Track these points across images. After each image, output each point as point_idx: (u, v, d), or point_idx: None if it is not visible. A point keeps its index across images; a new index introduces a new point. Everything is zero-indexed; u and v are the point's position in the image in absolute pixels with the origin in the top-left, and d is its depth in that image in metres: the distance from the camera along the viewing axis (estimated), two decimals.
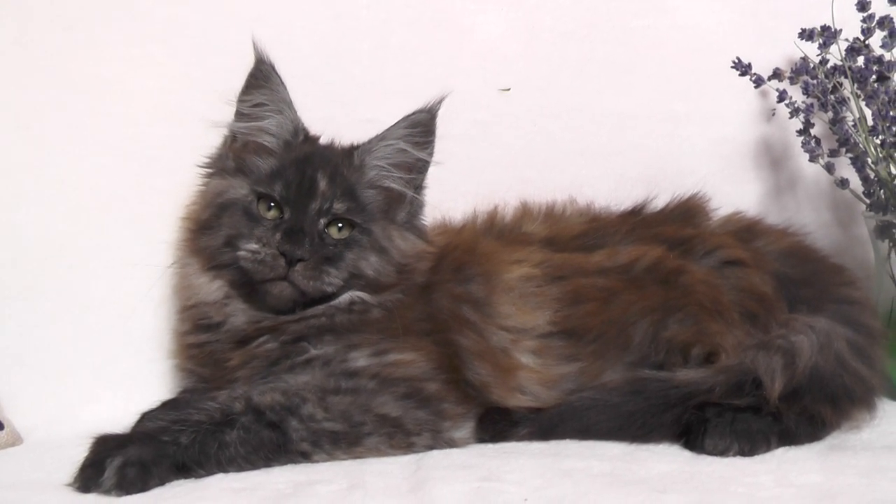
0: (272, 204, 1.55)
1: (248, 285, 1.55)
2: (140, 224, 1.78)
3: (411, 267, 1.59)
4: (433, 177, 1.64)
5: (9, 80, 1.77)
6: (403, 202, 1.61)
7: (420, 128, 1.58)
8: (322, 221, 1.54)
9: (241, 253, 1.53)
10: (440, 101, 1.58)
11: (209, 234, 1.58)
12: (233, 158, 1.62)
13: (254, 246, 1.52)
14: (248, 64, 1.65)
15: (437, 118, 1.58)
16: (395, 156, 1.59)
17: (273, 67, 1.58)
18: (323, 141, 1.66)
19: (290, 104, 1.60)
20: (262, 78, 1.58)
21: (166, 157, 1.80)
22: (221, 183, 1.61)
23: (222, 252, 1.56)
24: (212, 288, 1.58)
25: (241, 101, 1.61)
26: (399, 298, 1.56)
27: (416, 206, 1.63)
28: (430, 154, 1.60)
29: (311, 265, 1.51)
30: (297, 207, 1.54)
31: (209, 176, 1.64)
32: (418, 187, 1.62)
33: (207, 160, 1.66)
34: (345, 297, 1.55)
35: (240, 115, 1.61)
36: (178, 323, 1.67)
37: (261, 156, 1.60)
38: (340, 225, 1.56)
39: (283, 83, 1.59)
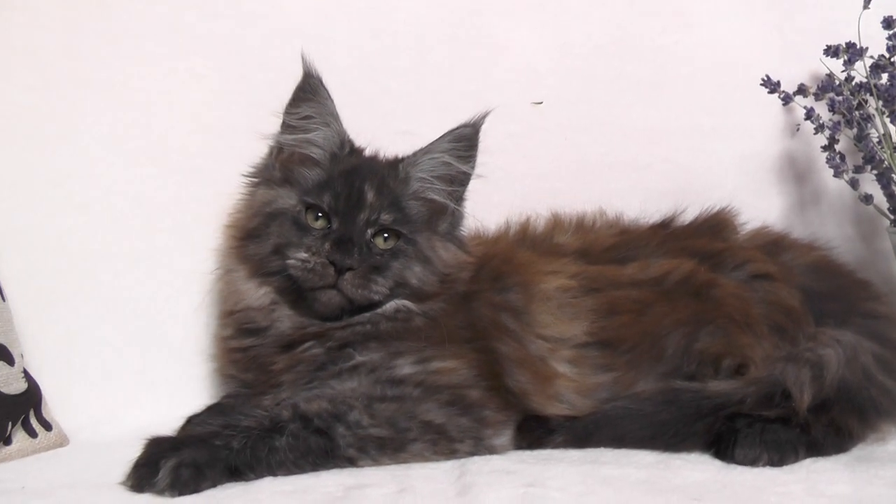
0: (320, 214, 1.59)
1: (295, 292, 1.58)
2: (182, 232, 1.83)
3: (453, 276, 1.63)
4: (468, 188, 1.67)
5: (57, 91, 1.83)
6: (445, 213, 1.65)
7: (464, 142, 1.62)
8: (369, 232, 1.58)
9: (291, 261, 1.56)
10: (484, 117, 1.61)
11: (257, 242, 1.61)
12: (279, 169, 1.65)
13: (303, 255, 1.56)
14: (288, 77, 1.69)
15: (480, 133, 1.62)
16: (438, 168, 1.63)
17: (321, 81, 1.61)
18: (367, 153, 1.70)
19: (336, 117, 1.64)
20: (311, 91, 1.62)
21: (208, 167, 1.85)
22: (269, 193, 1.64)
23: (270, 260, 1.60)
24: (259, 294, 1.61)
25: (288, 113, 1.63)
26: (442, 307, 1.60)
27: (457, 218, 1.66)
28: (473, 167, 1.64)
29: (359, 274, 1.55)
30: (346, 218, 1.58)
31: (254, 185, 1.67)
32: (459, 199, 1.66)
33: (252, 170, 1.69)
34: (390, 305, 1.59)
35: (287, 127, 1.64)
36: (221, 328, 1.71)
37: (308, 167, 1.63)
38: (386, 235, 1.60)
39: (330, 97, 1.62)
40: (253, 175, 1.69)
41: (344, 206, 1.58)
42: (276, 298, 1.61)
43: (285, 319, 1.60)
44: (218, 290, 1.74)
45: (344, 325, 1.58)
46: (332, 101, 1.63)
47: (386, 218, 1.59)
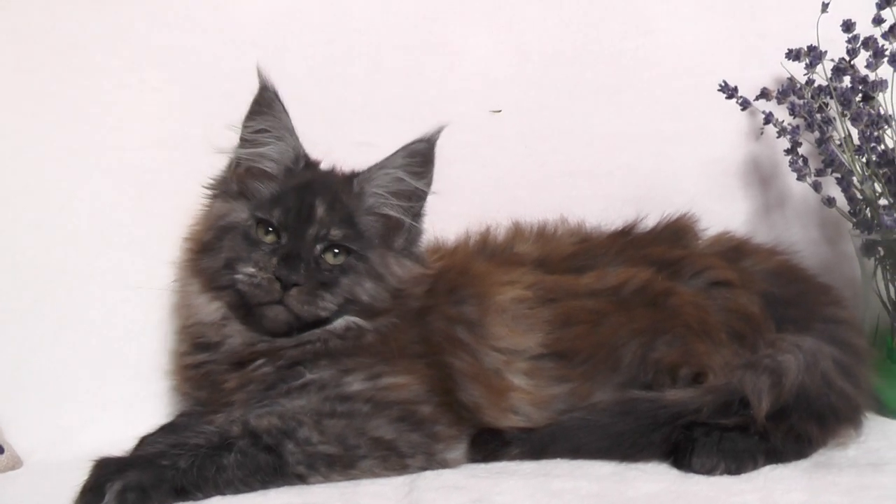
0: (270, 229, 1.57)
1: (245, 307, 1.57)
2: (138, 247, 1.80)
3: (407, 292, 1.61)
4: (426, 203, 1.65)
5: (7, 105, 1.80)
6: (402, 229, 1.63)
7: (418, 157, 1.60)
8: (318, 247, 1.56)
9: (239, 276, 1.55)
10: (438, 132, 1.60)
11: (210, 255, 1.60)
12: (236, 182, 1.64)
13: (251, 270, 1.54)
14: (242, 88, 1.68)
15: (435, 148, 1.60)
16: (393, 184, 1.61)
17: (276, 94, 1.60)
18: (324, 166, 1.68)
19: (291, 131, 1.62)
20: (266, 104, 1.60)
21: (164, 181, 1.82)
22: (224, 206, 1.63)
23: (222, 274, 1.58)
24: (210, 309, 1.60)
25: (244, 126, 1.62)
26: (394, 323, 1.58)
27: (414, 234, 1.64)
28: (428, 184, 1.62)
29: (305, 290, 1.53)
30: (295, 233, 1.56)
31: (213, 198, 1.66)
32: (416, 215, 1.64)
33: (212, 182, 1.68)
34: (340, 322, 1.57)
35: (243, 141, 1.63)
36: (177, 343, 1.69)
37: (262, 181, 1.62)
38: (336, 251, 1.58)
39: (285, 110, 1.61)
40: (212, 187, 1.68)
41: (294, 221, 1.57)
42: (227, 314, 1.59)
43: (236, 335, 1.58)
44: (174, 303, 1.72)
45: (295, 343, 1.56)
46: (286, 114, 1.62)
47: (336, 234, 1.57)
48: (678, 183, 1.99)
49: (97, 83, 1.84)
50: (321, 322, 1.56)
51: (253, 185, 1.62)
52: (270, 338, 1.56)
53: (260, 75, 1.60)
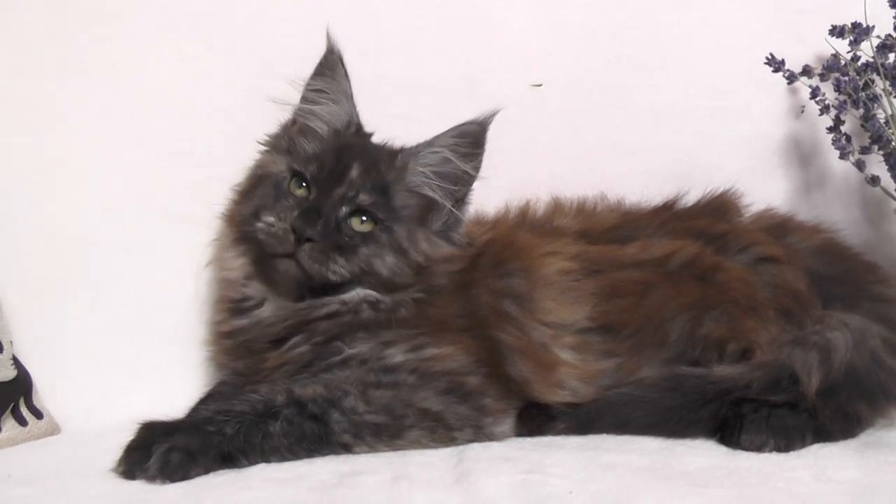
0: (304, 184, 1.56)
1: (264, 263, 1.55)
2: (174, 216, 1.80)
3: (433, 269, 1.57)
4: (472, 188, 1.62)
5: (45, 74, 1.79)
6: (440, 213, 1.59)
7: (469, 139, 1.56)
8: (344, 209, 1.54)
9: (259, 224, 1.54)
10: (492, 115, 1.56)
11: (243, 203, 1.61)
12: (286, 138, 1.63)
13: (271, 219, 1.53)
14: (279, 58, 1.77)
15: (487, 131, 1.56)
16: (438, 164, 1.57)
17: (340, 59, 1.60)
18: (374, 139, 1.67)
19: (349, 97, 1.62)
20: (328, 67, 1.61)
21: (199, 150, 1.82)
22: (268, 158, 1.63)
23: (249, 222, 1.57)
24: (236, 265, 1.60)
25: (307, 85, 1.63)
26: (420, 297, 1.55)
27: (454, 220, 1.59)
28: (476, 168, 1.58)
29: (318, 248, 1.50)
30: (324, 190, 1.54)
31: (264, 153, 1.66)
32: (459, 200, 1.59)
33: (267, 138, 1.67)
34: (353, 294, 1.54)
35: (302, 99, 1.63)
36: (214, 313, 1.69)
37: (309, 139, 1.60)
38: (364, 218, 1.55)
39: (346, 76, 1.61)
40: (266, 143, 1.67)
41: (326, 178, 1.55)
42: (249, 271, 1.58)
43: (265, 305, 1.57)
44: (212, 257, 1.72)
45: (325, 314, 1.53)
46: (347, 80, 1.62)
47: (364, 199, 1.54)
48: (718, 159, 1.96)
49: (132, 51, 1.83)
50: (333, 288, 1.53)
51: (299, 142, 1.60)
52: (292, 303, 1.54)
53: (328, 39, 1.61)
